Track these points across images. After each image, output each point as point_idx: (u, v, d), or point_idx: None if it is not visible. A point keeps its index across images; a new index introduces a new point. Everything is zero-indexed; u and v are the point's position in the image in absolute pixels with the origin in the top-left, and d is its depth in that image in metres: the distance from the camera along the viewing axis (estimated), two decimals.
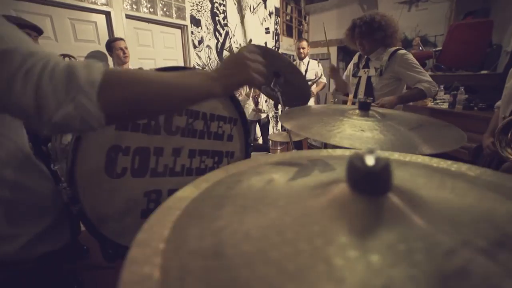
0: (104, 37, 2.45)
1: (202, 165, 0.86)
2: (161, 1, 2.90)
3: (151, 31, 2.92)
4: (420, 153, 0.65)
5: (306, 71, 3.26)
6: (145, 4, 2.77)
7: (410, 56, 1.69)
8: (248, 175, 0.38)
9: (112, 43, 2.23)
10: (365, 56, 1.90)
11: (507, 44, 4.16)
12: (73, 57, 1.85)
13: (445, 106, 2.87)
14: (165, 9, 2.94)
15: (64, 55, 1.82)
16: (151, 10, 2.83)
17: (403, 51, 1.70)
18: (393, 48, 1.73)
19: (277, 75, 1.41)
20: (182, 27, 3.14)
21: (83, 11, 2.29)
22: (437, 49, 4.54)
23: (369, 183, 0.23)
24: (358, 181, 0.24)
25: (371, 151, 0.24)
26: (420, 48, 5.22)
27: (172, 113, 0.74)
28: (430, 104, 3.18)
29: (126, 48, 2.25)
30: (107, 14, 2.45)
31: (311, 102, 3.32)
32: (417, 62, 1.69)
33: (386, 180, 0.24)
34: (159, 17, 2.89)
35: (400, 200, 0.23)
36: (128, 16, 2.61)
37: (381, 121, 0.80)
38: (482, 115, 2.46)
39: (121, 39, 2.28)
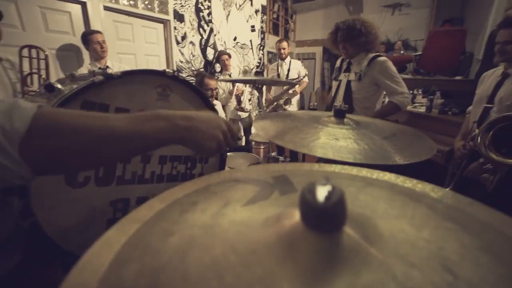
0: (80, 29, 2.32)
1: (173, 171, 0.83)
2: None
3: (132, 25, 2.81)
4: (393, 163, 0.66)
5: (288, 70, 3.26)
6: None
7: (390, 64, 1.72)
8: (205, 195, 0.36)
9: (89, 36, 2.11)
10: (347, 60, 1.92)
11: (478, 52, 4.35)
12: (41, 49, 1.73)
13: (422, 109, 2.97)
14: (146, 2, 2.83)
15: (31, 46, 1.70)
16: (132, 2, 2.71)
17: (383, 58, 1.73)
18: (373, 54, 1.75)
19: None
20: (164, 22, 3.05)
21: (55, 0, 2.16)
22: (417, 53, 4.69)
23: (322, 220, 0.21)
24: (310, 217, 0.22)
25: (325, 182, 0.23)
26: (402, 52, 5.38)
27: (114, 163, 0.65)
28: (409, 107, 3.28)
29: (104, 42, 2.14)
30: (83, 5, 2.33)
31: (294, 100, 3.34)
32: (395, 71, 1.72)
33: (340, 215, 0.22)
34: (140, 10, 2.79)
35: (355, 237, 0.22)
36: (106, 8, 2.49)
37: (356, 129, 0.80)
38: (455, 119, 2.56)
39: (99, 32, 2.17)
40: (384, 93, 1.85)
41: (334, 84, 2.01)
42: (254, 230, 0.25)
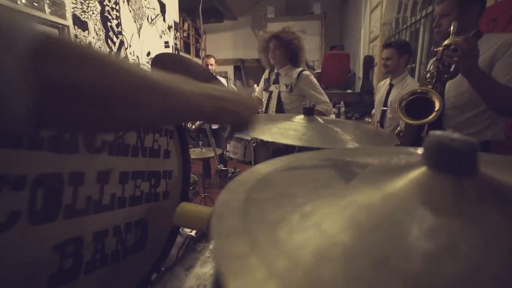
0: None
1: (137, 192, 0.64)
2: None
3: None
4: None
5: None
6: None
7: (313, 78, 1.99)
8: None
9: None
10: (275, 72, 2.06)
11: (358, 71, 5.49)
12: None
13: (332, 117, 3.47)
14: None
15: None
16: None
17: (308, 72, 1.99)
18: (300, 69, 1.98)
19: None
20: (60, 28, 2.53)
21: None
22: (317, 71, 5.51)
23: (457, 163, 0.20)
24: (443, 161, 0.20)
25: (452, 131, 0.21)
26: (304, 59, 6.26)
27: (136, 128, 0.54)
28: None
29: None
30: None
31: None
32: (318, 84, 1.99)
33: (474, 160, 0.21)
34: (21, 6, 2.22)
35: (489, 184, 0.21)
36: None
37: (318, 123, 0.87)
38: (358, 123, 3.11)
39: None
40: None
41: (265, 94, 2.12)
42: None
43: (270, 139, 0.67)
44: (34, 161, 0.41)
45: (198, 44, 7.78)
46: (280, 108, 2.01)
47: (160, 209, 0.74)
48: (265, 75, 2.20)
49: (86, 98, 0.25)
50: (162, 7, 4.17)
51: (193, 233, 0.83)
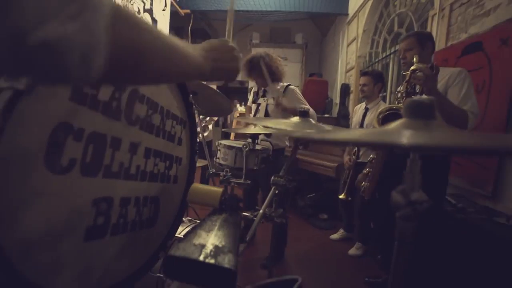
0: None
1: (155, 169, 0.70)
2: None
3: None
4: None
5: None
6: None
7: (298, 91, 2.16)
8: None
9: None
10: (262, 89, 2.22)
11: (335, 98, 5.90)
12: None
13: None
14: None
15: None
16: None
17: (293, 87, 2.16)
18: (287, 84, 2.14)
19: (194, 93, 1.40)
20: None
21: None
22: None
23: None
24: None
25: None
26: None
27: (164, 82, 0.60)
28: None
29: None
30: None
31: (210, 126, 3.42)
32: (303, 97, 2.15)
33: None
34: None
35: None
36: None
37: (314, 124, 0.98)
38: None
39: None
40: None
41: (254, 106, 2.25)
42: None
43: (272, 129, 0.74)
44: (91, 119, 0.47)
45: None
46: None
47: (170, 192, 0.79)
48: (255, 88, 2.34)
49: (143, 55, 0.31)
50: (154, 23, 4.30)
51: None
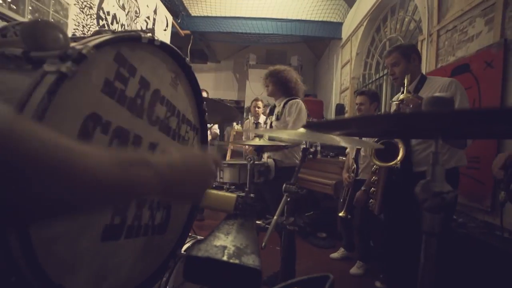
0: None
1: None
2: (32, 3, 2.31)
3: None
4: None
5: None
6: None
7: (298, 106, 1.99)
8: None
9: None
10: (272, 105, 2.23)
11: (330, 118, 6.04)
12: None
13: (310, 156, 3.69)
14: (37, 15, 2.34)
15: None
16: (13, 6, 2.16)
17: (295, 101, 2.01)
18: (286, 99, 2.08)
19: None
20: None
21: None
22: None
23: None
24: None
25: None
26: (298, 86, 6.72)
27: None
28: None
29: None
30: None
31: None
32: (300, 112, 2.01)
33: None
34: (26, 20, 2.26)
35: None
36: None
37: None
38: (333, 160, 3.32)
39: None
40: None
41: (267, 125, 2.30)
42: None
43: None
44: (118, 113, 0.47)
45: None
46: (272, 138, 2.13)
47: None
48: (267, 109, 2.42)
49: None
50: None
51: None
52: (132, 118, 0.51)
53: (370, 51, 4.30)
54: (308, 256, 2.71)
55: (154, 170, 0.31)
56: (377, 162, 1.69)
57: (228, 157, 4.49)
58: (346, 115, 4.94)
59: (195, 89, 0.77)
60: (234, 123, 6.77)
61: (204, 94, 3.44)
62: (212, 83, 8.98)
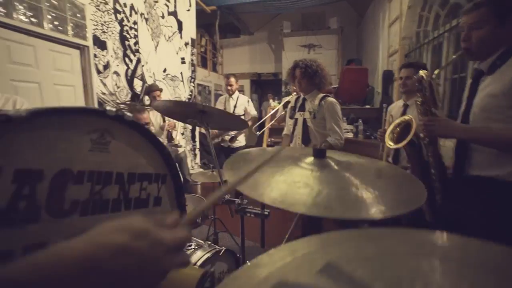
0: None
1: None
2: (51, 12, 2.34)
3: (34, 47, 2.29)
4: (368, 217, 0.54)
5: (235, 106, 3.24)
6: (23, 10, 2.15)
7: (337, 107, 1.94)
8: None
9: None
10: (301, 98, 2.04)
11: (377, 86, 5.31)
12: None
13: (350, 135, 3.30)
14: (56, 23, 2.38)
15: None
16: (34, 20, 2.23)
17: (331, 99, 1.95)
18: (323, 94, 1.97)
19: (202, 112, 1.27)
20: (81, 48, 2.62)
21: None
22: (334, 86, 5.38)
23: None
24: None
25: None
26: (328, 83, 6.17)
27: None
28: None
29: None
30: None
31: (242, 137, 3.29)
32: (340, 115, 1.96)
33: None
34: (47, 31, 2.31)
35: None
36: None
37: (334, 172, 0.71)
38: (378, 143, 2.90)
39: None
40: None
41: (290, 121, 2.10)
42: None
43: (279, 204, 0.51)
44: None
45: (215, 59, 7.92)
46: (306, 137, 1.98)
47: None
48: (292, 103, 2.18)
49: None
50: (179, 25, 4.27)
51: None
52: (12, 233, 0.38)
53: (427, 2, 3.47)
54: None
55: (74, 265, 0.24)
56: (390, 143, 1.50)
57: (266, 137, 4.35)
58: (395, 83, 4.25)
59: (142, 130, 0.60)
60: (271, 100, 6.48)
61: (232, 79, 3.24)
62: (248, 57, 8.64)
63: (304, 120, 1.98)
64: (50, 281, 0.24)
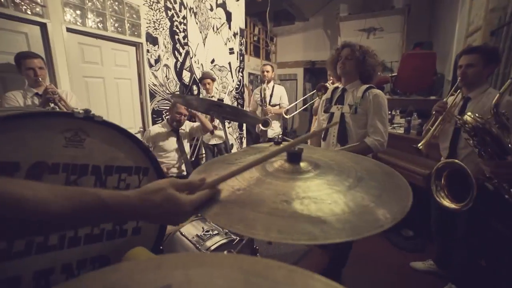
0: (39, 50, 2.16)
1: (95, 230, 0.66)
2: (113, 17, 2.69)
3: (100, 48, 2.68)
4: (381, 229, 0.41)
5: (271, 96, 3.25)
6: (93, 18, 2.53)
7: (383, 99, 1.60)
8: None
9: (22, 60, 1.81)
10: (341, 88, 1.74)
11: (448, 74, 4.52)
12: None
13: (401, 131, 2.94)
14: (117, 25, 2.73)
15: None
16: (101, 25, 2.60)
17: (377, 91, 1.61)
18: (366, 86, 1.64)
19: (219, 105, 1.31)
20: (137, 45, 2.95)
21: (7, 19, 1.99)
22: (393, 74, 4.81)
23: None
24: None
25: None
26: (379, 73, 5.56)
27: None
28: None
29: (41, 68, 1.85)
30: (43, 26, 2.18)
31: (276, 125, 3.30)
32: (387, 112, 1.60)
33: None
34: (110, 33, 2.67)
35: None
36: (70, 30, 2.35)
37: (315, 178, 0.60)
38: (434, 141, 2.51)
39: (36, 56, 1.88)
40: None
41: (324, 116, 1.76)
42: None
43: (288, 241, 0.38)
44: None
45: (269, 48, 7.89)
46: (343, 135, 1.64)
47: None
48: (327, 94, 1.82)
49: None
50: (228, 16, 4.37)
51: None
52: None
53: None
54: (382, 259, 2.30)
55: (103, 203, 0.39)
56: (445, 202, 1.36)
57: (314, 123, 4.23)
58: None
59: (115, 127, 0.66)
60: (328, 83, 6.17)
61: (268, 67, 3.24)
62: (302, 45, 8.35)
63: (342, 115, 1.64)
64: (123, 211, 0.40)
